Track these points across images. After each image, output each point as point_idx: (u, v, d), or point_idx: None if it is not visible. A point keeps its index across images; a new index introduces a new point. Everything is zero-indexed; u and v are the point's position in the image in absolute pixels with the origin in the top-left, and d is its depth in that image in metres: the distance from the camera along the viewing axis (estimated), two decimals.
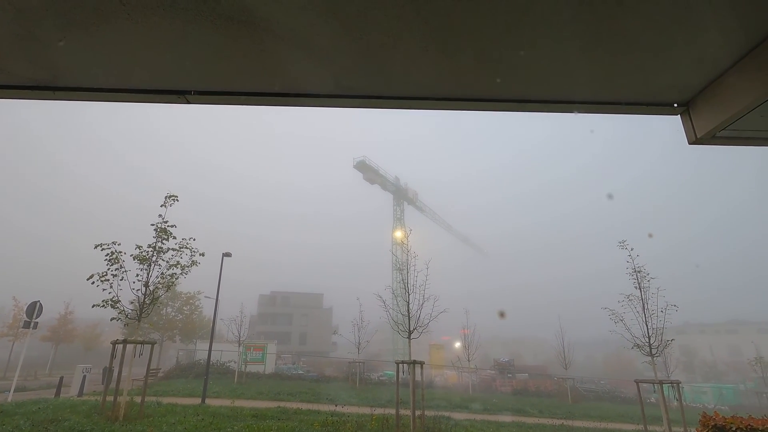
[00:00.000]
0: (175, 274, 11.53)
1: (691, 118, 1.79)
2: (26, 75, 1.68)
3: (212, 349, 18.46)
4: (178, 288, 34.82)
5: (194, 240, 11.96)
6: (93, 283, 10.51)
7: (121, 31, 1.44)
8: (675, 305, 11.26)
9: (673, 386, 10.98)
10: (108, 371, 11.30)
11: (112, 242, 10.91)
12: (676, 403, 11.65)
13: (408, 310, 12.00)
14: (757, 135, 1.77)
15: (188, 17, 1.38)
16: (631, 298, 11.68)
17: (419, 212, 67.74)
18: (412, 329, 11.79)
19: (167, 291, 11.88)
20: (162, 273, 11.33)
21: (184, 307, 39.37)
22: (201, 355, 29.52)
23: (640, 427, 12.09)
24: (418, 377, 10.52)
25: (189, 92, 1.77)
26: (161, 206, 11.70)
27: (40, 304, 16.25)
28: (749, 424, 6.16)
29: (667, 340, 11.41)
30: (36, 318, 16.12)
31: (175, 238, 11.63)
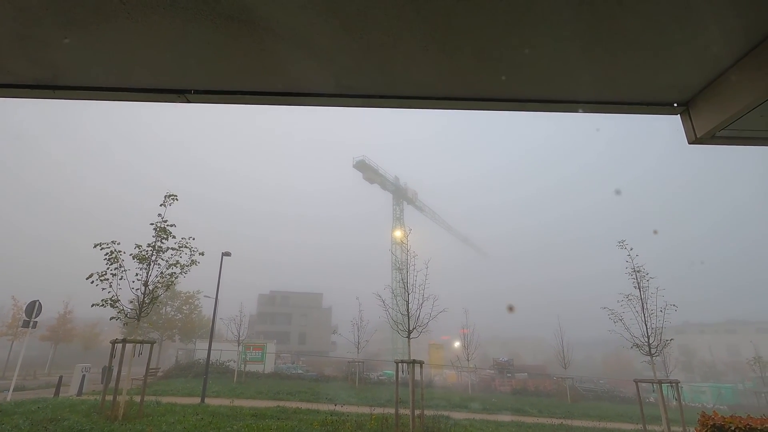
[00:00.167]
0: (175, 273, 11.52)
1: (690, 118, 1.79)
2: (26, 74, 1.68)
3: (212, 348, 18.46)
4: (178, 287, 34.84)
5: (193, 239, 11.96)
6: (92, 282, 10.50)
7: (121, 29, 1.44)
8: (674, 305, 11.28)
9: (672, 386, 10.99)
10: (107, 370, 11.30)
11: (112, 241, 10.91)
12: (675, 403, 11.66)
13: (407, 309, 12.01)
14: (757, 135, 1.77)
15: (188, 16, 1.38)
16: (630, 297, 11.69)
17: (419, 212, 67.81)
18: (411, 329, 11.79)
19: (167, 290, 11.88)
20: (161, 272, 11.32)
21: (184, 307, 39.37)
22: (200, 355, 29.50)
23: (639, 426, 12.11)
24: (417, 377, 10.53)
25: (189, 91, 1.77)
26: (160, 205, 11.71)
27: (39, 303, 16.24)
28: (748, 424, 6.17)
29: (666, 340, 11.43)
30: (35, 317, 16.12)
31: (174, 237, 11.64)
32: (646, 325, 11.24)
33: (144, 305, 10.81)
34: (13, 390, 15.44)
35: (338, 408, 13.56)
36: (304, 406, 14.54)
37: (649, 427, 11.55)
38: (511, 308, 64.60)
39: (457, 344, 39.27)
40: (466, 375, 33.57)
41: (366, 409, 12.28)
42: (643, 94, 1.75)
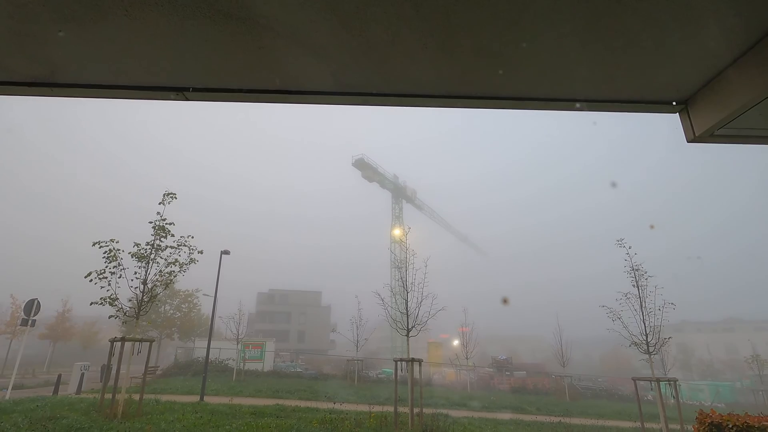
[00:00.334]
0: (174, 271, 11.51)
1: (689, 116, 1.79)
2: (24, 71, 1.68)
3: (211, 346, 18.47)
4: (177, 286, 34.76)
5: (192, 238, 11.94)
6: (91, 280, 10.49)
7: (119, 27, 1.43)
8: (673, 303, 11.30)
9: (670, 384, 11.03)
10: (106, 369, 11.30)
11: (110, 240, 10.90)
12: (673, 401, 11.70)
13: (406, 307, 12.03)
14: (756, 133, 1.77)
15: (186, 13, 1.38)
16: (628, 296, 11.71)
17: (418, 210, 67.83)
18: (410, 327, 11.81)
19: (165, 289, 11.87)
20: (160, 271, 11.31)
21: (183, 305, 39.38)
22: (199, 353, 29.50)
23: (638, 424, 12.15)
24: (416, 375, 10.55)
25: (187, 89, 1.76)
26: (159, 203, 11.69)
27: (38, 301, 16.23)
28: (745, 422, 6.20)
29: (665, 338, 11.45)
30: (34, 316, 16.11)
31: (173, 235, 11.62)
32: (644, 324, 11.26)
33: (143, 303, 10.80)
34: (12, 388, 15.43)
35: (337, 406, 13.59)
36: (303, 404, 14.57)
37: (647, 425, 11.59)
38: (505, 300, 64.74)
39: (456, 342, 39.36)
40: (465, 373, 33.63)
41: (365, 408, 12.30)
42: (642, 92, 1.74)
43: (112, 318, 11.10)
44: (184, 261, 11.64)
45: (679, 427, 10.58)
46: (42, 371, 34.50)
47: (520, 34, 1.44)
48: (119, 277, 10.67)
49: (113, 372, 12.17)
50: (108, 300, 10.52)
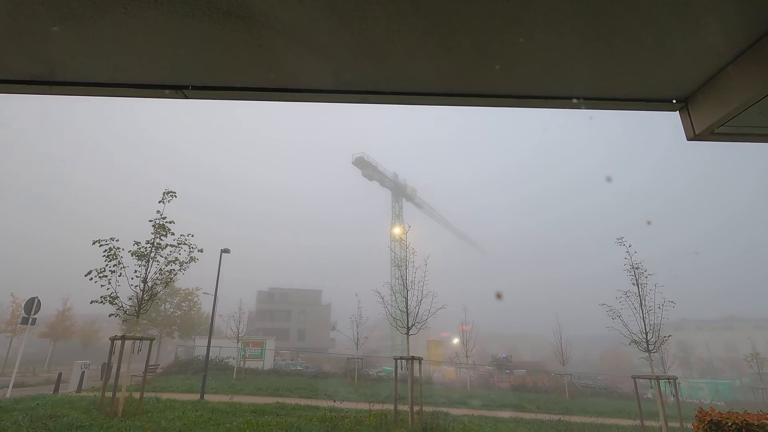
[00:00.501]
0: (174, 270, 11.51)
1: (689, 114, 1.79)
2: (23, 69, 1.67)
3: (211, 345, 18.50)
4: (177, 284, 34.80)
5: (192, 236, 11.94)
6: (91, 279, 10.50)
7: (118, 25, 1.43)
8: (672, 301, 11.30)
9: (669, 382, 11.05)
10: (107, 367, 11.31)
11: (110, 238, 10.90)
12: (672, 399, 11.73)
13: (406, 306, 12.04)
14: (756, 131, 1.77)
15: (185, 11, 1.38)
16: (628, 294, 11.71)
17: (418, 209, 67.82)
18: (410, 325, 11.82)
19: (166, 287, 11.88)
20: (160, 269, 11.31)
21: (183, 304, 39.40)
22: (200, 351, 29.55)
23: (637, 422, 12.18)
24: (416, 373, 10.57)
25: (187, 87, 1.76)
26: (159, 202, 11.69)
27: (39, 300, 16.24)
28: (745, 420, 6.21)
29: (664, 336, 11.45)
30: (34, 314, 16.12)
31: (173, 234, 11.62)
32: (644, 322, 11.27)
33: (143, 302, 10.81)
34: (13, 386, 15.45)
35: (337, 404, 13.61)
36: (303, 402, 14.60)
37: (647, 423, 11.61)
38: (499, 295, 64.94)
39: (456, 341, 39.41)
40: (465, 371, 33.68)
41: (365, 406, 12.32)
42: (642, 89, 1.74)
43: (113, 316, 11.11)
44: (184, 259, 11.64)
45: (678, 425, 10.60)
46: (42, 370, 34.53)
47: (520, 32, 1.44)
48: (119, 276, 10.67)
49: (114, 370, 12.19)
50: (108, 298, 10.53)
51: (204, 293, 33.53)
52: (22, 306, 18.44)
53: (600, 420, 15.42)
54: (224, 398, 14.93)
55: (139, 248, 11.16)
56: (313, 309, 65.50)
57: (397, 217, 59.96)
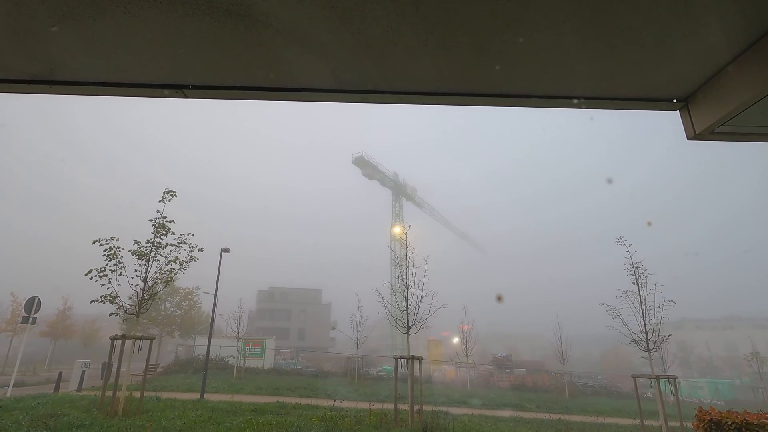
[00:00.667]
0: (174, 269, 11.51)
1: (690, 114, 1.78)
2: (23, 69, 1.67)
3: (211, 344, 18.50)
4: (177, 284, 34.82)
5: (192, 236, 11.94)
6: (91, 278, 10.50)
7: (117, 24, 1.43)
8: (672, 301, 11.30)
9: (669, 381, 11.05)
10: (107, 366, 11.31)
11: (110, 237, 10.91)
12: (672, 398, 11.74)
13: (406, 305, 12.04)
14: (756, 131, 1.77)
15: (185, 10, 1.37)
16: (628, 294, 11.71)
17: (418, 208, 67.82)
18: (410, 325, 11.83)
19: (166, 286, 11.88)
20: (160, 268, 11.32)
21: (183, 303, 39.42)
22: (200, 351, 29.58)
23: (637, 421, 12.18)
24: (416, 372, 10.57)
25: (187, 86, 1.76)
26: (159, 201, 11.69)
27: (39, 299, 16.25)
28: (744, 419, 6.21)
29: (664, 336, 11.45)
30: (34, 313, 16.13)
31: (173, 233, 11.62)
32: (644, 321, 11.26)
33: (143, 301, 10.81)
34: (13, 386, 15.47)
35: (337, 403, 13.63)
36: (303, 401, 14.60)
37: (647, 423, 11.61)
38: (499, 298, 64.95)
39: (456, 340, 39.41)
40: (465, 370, 33.69)
41: (365, 405, 12.33)
42: (643, 89, 1.74)
43: (113, 316, 11.11)
44: (185, 259, 11.64)
45: (678, 424, 10.60)
46: (43, 369, 34.56)
47: (520, 32, 1.44)
48: (120, 275, 10.67)
49: (114, 369, 12.19)
50: (108, 298, 10.53)
51: (204, 292, 33.55)
52: (23, 305, 18.47)
53: (600, 419, 15.44)
54: (224, 397, 14.94)
55: (140, 247, 11.16)
56: (313, 308, 65.53)
57: (397, 216, 59.98)
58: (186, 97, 1.79)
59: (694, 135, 1.79)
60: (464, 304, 33.43)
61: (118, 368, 11.23)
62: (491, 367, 37.19)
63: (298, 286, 68.67)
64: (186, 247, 11.68)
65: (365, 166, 60.14)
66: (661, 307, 11.26)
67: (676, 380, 11.17)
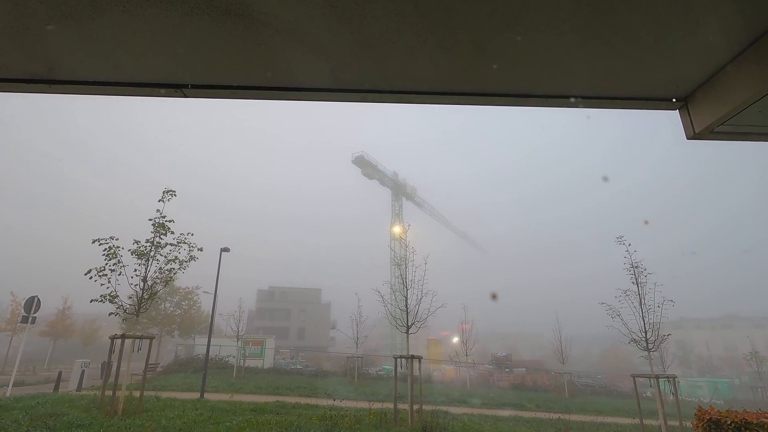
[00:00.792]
0: (173, 269, 11.51)
1: (689, 113, 1.78)
2: (21, 68, 1.67)
3: (211, 343, 18.49)
4: (177, 283, 34.82)
5: (192, 235, 11.94)
6: (91, 278, 10.50)
7: (116, 23, 1.43)
8: (672, 300, 11.31)
9: (669, 381, 11.07)
10: (107, 366, 11.32)
11: (110, 237, 10.91)
12: (671, 398, 11.75)
13: (406, 305, 12.04)
14: (756, 130, 1.77)
15: (185, 10, 1.37)
16: (628, 293, 11.72)
17: (418, 208, 67.83)
18: (410, 324, 11.83)
19: (165, 286, 11.87)
20: (160, 268, 11.31)
21: (183, 302, 39.40)
22: (200, 350, 29.59)
23: (636, 421, 12.19)
24: (416, 372, 10.58)
25: (186, 86, 1.76)
26: (159, 201, 11.68)
27: (38, 299, 16.25)
28: (744, 418, 6.22)
29: (664, 335, 11.47)
30: (34, 313, 16.13)
31: (173, 233, 11.61)
32: (643, 321, 11.27)
33: (143, 301, 10.81)
34: (13, 385, 15.46)
35: (337, 403, 13.62)
36: (303, 401, 14.61)
37: (646, 422, 11.63)
38: (494, 296, 65.07)
39: (455, 339, 39.42)
40: (465, 370, 33.71)
41: (365, 404, 12.33)
42: (642, 88, 1.74)
43: (113, 315, 11.11)
44: (184, 258, 11.64)
45: (677, 423, 10.62)
46: (42, 368, 34.56)
47: (520, 31, 1.44)
48: (119, 275, 10.68)
49: (114, 369, 12.19)
50: (108, 297, 10.53)
51: (204, 292, 33.57)
52: (22, 305, 18.47)
53: (599, 419, 15.45)
54: (224, 397, 14.94)
55: (139, 247, 11.15)
56: (312, 308, 65.54)
57: (397, 215, 59.98)
58: (185, 96, 1.79)
59: (693, 134, 1.79)
60: (464, 304, 33.45)
61: (118, 368, 11.23)
62: (491, 367, 37.22)
63: (298, 286, 68.75)
64: (185, 246, 11.69)
65: (365, 165, 60.14)
66: (661, 306, 11.28)
67: (676, 379, 11.19)
